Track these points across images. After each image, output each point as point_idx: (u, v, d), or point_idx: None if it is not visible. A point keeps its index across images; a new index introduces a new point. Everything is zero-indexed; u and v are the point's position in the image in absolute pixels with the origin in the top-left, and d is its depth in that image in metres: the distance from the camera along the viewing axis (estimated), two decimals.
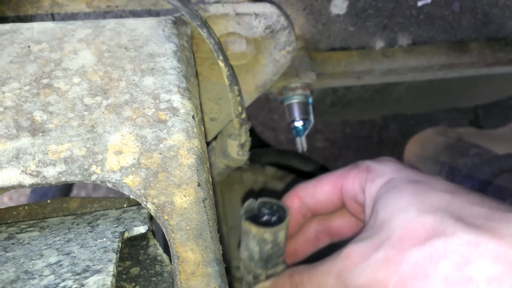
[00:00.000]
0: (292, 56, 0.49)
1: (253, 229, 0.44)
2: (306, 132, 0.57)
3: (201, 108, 0.37)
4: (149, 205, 0.29)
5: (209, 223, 0.28)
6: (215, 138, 0.56)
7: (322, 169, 0.81)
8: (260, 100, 0.61)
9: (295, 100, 0.56)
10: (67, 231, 0.34)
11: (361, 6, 0.56)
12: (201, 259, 0.26)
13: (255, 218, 0.46)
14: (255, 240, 0.44)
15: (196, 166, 0.30)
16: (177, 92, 0.34)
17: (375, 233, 0.36)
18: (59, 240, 0.32)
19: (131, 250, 0.34)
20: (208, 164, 0.34)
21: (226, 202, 0.79)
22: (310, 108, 0.57)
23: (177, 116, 0.33)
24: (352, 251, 0.37)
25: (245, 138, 0.50)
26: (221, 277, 0.26)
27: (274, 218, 0.46)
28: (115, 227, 0.34)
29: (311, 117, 0.57)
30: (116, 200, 0.38)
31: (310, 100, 0.57)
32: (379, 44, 0.57)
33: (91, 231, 0.33)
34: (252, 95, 0.51)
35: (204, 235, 0.28)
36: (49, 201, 0.36)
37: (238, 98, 0.47)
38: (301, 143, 0.57)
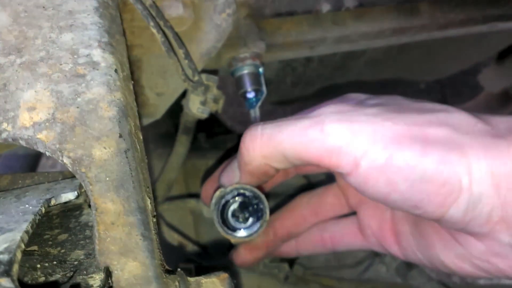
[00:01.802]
0: (234, 19, 0.46)
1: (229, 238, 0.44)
2: (259, 103, 0.55)
3: (131, 67, 0.35)
4: (65, 159, 0.26)
5: (131, 173, 0.26)
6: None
7: None
8: (228, 95, 0.59)
9: (245, 71, 0.53)
10: None
11: None
12: (122, 209, 0.24)
13: (227, 204, 0.45)
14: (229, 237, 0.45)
15: (118, 118, 0.28)
16: (97, 47, 0.31)
17: (369, 104, 0.37)
18: None
19: (63, 220, 0.31)
20: (137, 120, 0.31)
21: (191, 190, 0.76)
22: (262, 79, 0.55)
23: (97, 69, 0.30)
24: (343, 107, 0.35)
25: (205, 96, 0.48)
26: (144, 225, 0.23)
27: (248, 200, 0.44)
28: (43, 196, 0.31)
29: (264, 88, 0.55)
30: (50, 174, 0.35)
31: (261, 70, 0.55)
32: (326, 7, 0.55)
33: (16, 201, 0.30)
34: (198, 65, 0.48)
35: (126, 185, 0.25)
36: None
37: (186, 61, 0.45)
38: (255, 115, 0.55)
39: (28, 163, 0.98)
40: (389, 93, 0.39)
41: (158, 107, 0.50)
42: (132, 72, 0.48)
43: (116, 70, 0.30)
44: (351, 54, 0.79)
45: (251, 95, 0.54)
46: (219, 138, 0.83)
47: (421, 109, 0.35)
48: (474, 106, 1.32)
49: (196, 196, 0.70)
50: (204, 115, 0.48)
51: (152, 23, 0.41)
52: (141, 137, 0.30)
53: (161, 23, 0.43)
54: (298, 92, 0.89)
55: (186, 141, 0.53)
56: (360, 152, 0.32)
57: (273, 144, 0.35)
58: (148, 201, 0.26)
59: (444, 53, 0.90)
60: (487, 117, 0.34)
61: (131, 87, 0.33)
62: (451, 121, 0.33)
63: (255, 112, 0.55)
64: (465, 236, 0.34)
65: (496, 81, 1.11)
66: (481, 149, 0.31)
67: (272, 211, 0.49)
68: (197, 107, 0.47)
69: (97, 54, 0.31)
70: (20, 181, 0.35)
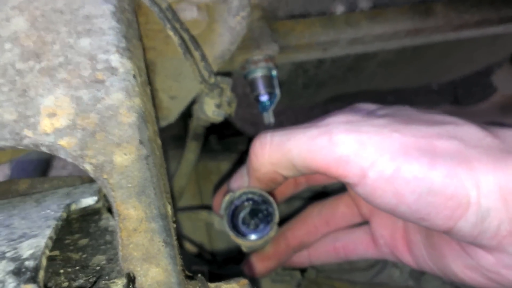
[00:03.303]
0: (248, 22, 0.47)
1: (240, 241, 0.44)
2: (273, 106, 0.55)
3: (147, 72, 0.35)
4: (86, 166, 0.26)
5: (152, 180, 0.26)
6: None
7: None
8: (238, 96, 0.60)
9: (258, 73, 0.54)
10: (12, 208, 0.31)
11: None
12: (144, 215, 0.24)
13: (237, 210, 0.45)
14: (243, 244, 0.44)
15: (137, 124, 0.28)
16: (115, 52, 0.32)
17: (378, 115, 0.36)
18: (1, 217, 0.30)
19: (82, 225, 0.32)
20: (155, 125, 0.31)
21: (204, 192, 0.76)
22: (275, 81, 0.55)
23: (116, 75, 0.30)
24: (351, 117, 0.35)
25: (220, 99, 0.48)
26: (166, 231, 0.24)
27: (257, 206, 0.45)
28: (63, 201, 0.31)
29: (277, 91, 0.55)
30: (68, 179, 0.36)
31: (275, 73, 0.55)
32: (340, 8, 0.55)
33: (37, 206, 0.31)
34: (213, 67, 0.49)
35: (148, 191, 0.25)
36: None
37: (202, 63, 0.45)
38: (268, 118, 0.55)
39: (41, 165, 0.99)
40: (401, 95, 0.39)
41: (172, 110, 0.51)
42: (147, 74, 0.49)
43: (134, 76, 0.31)
44: (364, 55, 0.79)
45: (264, 98, 0.54)
46: (230, 140, 0.84)
47: (430, 121, 0.35)
48: (487, 107, 1.31)
49: (208, 208, 0.70)
50: (220, 118, 0.49)
51: (168, 25, 0.42)
52: (160, 142, 0.30)
53: (177, 25, 0.43)
54: (309, 94, 0.89)
55: (196, 147, 0.53)
56: (368, 162, 0.33)
57: (282, 152, 0.36)
58: (169, 207, 0.26)
59: (458, 55, 0.89)
60: (497, 130, 0.34)
61: (149, 92, 0.33)
62: (460, 134, 0.33)
63: (269, 115, 0.55)
64: (474, 248, 0.34)
65: (510, 82, 1.10)
66: (489, 163, 0.31)
67: (285, 219, 0.50)
68: (212, 110, 0.48)
69: (115, 60, 0.31)
70: (38, 185, 0.35)
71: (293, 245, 0.48)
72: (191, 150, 0.52)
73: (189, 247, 0.63)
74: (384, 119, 0.35)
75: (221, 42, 0.47)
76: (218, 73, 0.50)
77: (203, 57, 0.45)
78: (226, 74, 0.54)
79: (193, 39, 0.45)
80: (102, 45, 0.32)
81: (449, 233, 0.33)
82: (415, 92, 1.50)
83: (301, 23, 0.59)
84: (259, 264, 0.48)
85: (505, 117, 1.12)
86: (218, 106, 0.48)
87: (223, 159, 0.81)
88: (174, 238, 0.24)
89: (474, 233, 0.32)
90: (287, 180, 0.44)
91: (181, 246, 0.61)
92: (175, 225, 0.25)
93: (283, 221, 0.48)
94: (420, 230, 0.41)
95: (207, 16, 0.45)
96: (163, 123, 0.51)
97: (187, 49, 0.43)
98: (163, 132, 0.66)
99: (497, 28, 0.69)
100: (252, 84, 0.54)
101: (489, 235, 0.32)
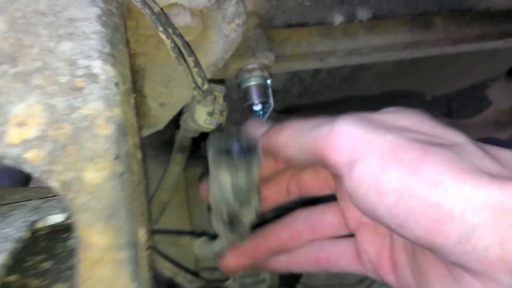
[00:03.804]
0: (243, 30, 0.44)
1: (223, 160, 0.39)
2: (266, 116, 0.52)
3: (135, 78, 0.32)
4: (53, 183, 0.23)
5: (126, 201, 0.23)
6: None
7: None
8: (232, 102, 0.57)
9: (252, 82, 0.51)
10: None
11: None
12: (111, 243, 0.21)
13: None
14: (226, 170, 0.39)
15: (115, 137, 0.25)
16: (98, 58, 0.29)
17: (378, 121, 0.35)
18: None
19: (49, 244, 0.28)
20: (137, 138, 0.29)
21: (192, 201, 0.73)
22: (270, 91, 0.53)
23: (96, 83, 0.28)
24: (352, 118, 0.34)
25: (213, 107, 0.45)
26: (134, 263, 0.21)
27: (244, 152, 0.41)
28: (29, 216, 0.28)
29: (271, 101, 0.52)
30: (41, 190, 0.33)
31: (269, 82, 0.53)
32: (338, 19, 0.53)
33: (1, 222, 0.28)
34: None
35: (119, 214, 0.22)
36: None
37: (196, 69, 0.42)
38: None
39: (21, 174, 0.95)
40: (396, 105, 0.38)
41: (161, 117, 0.48)
42: (135, 81, 0.46)
43: (116, 84, 0.28)
44: (361, 66, 0.76)
45: (257, 107, 0.51)
46: None
47: (431, 132, 0.34)
48: (481, 121, 1.29)
49: (191, 233, 0.67)
50: (211, 127, 0.46)
51: (161, 29, 0.39)
52: (140, 156, 0.27)
53: (170, 30, 0.40)
54: (304, 103, 0.86)
55: (182, 159, 0.50)
56: (357, 154, 0.32)
57: (297, 136, 0.37)
58: (143, 231, 0.23)
59: (454, 68, 0.87)
60: (497, 152, 0.32)
61: (132, 101, 0.30)
62: (457, 147, 0.32)
63: None
64: (461, 272, 0.31)
65: (505, 96, 1.08)
66: (482, 179, 0.29)
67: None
68: (204, 119, 0.45)
69: (97, 66, 0.28)
70: (8, 196, 0.33)
71: (273, 247, 0.45)
72: (176, 162, 0.50)
73: (170, 268, 0.60)
74: (390, 115, 0.35)
75: (214, 50, 0.44)
76: (211, 81, 0.48)
77: (197, 63, 0.42)
78: (219, 81, 0.51)
79: (187, 44, 0.42)
80: (84, 50, 0.29)
81: (431, 249, 0.31)
82: (409, 102, 1.47)
83: (298, 32, 0.56)
84: (233, 259, 0.46)
85: (498, 132, 1.10)
86: (211, 114, 0.45)
87: None
88: (146, 269, 0.21)
89: (458, 251, 0.29)
90: (277, 187, 0.44)
91: (156, 277, 0.58)
92: (148, 252, 0.23)
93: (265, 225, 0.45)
94: (406, 250, 0.38)
95: (200, 22, 0.42)
96: (151, 131, 0.48)
97: (180, 54, 0.40)
98: (152, 135, 0.63)
99: (497, 42, 0.66)
100: (246, 93, 0.52)
101: (476, 256, 0.29)
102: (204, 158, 0.81)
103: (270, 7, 0.51)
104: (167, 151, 0.75)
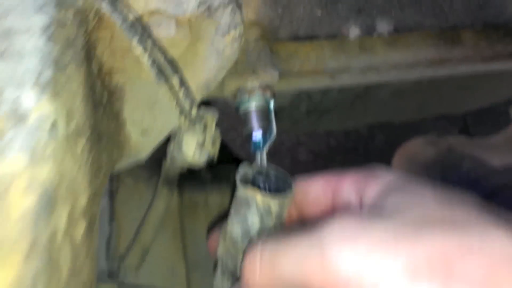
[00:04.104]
0: (241, 44, 0.36)
1: (258, 197, 0.33)
2: (267, 145, 0.44)
3: (108, 98, 0.25)
4: None
5: None
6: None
7: None
8: (233, 116, 0.49)
9: (252, 104, 0.43)
10: None
11: None
12: None
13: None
14: (257, 212, 0.34)
15: (36, 214, 0.17)
16: (32, 87, 0.21)
17: (383, 215, 0.27)
18: None
19: None
20: (81, 200, 0.21)
21: (187, 230, 0.65)
22: (272, 115, 0.45)
23: (24, 124, 0.20)
24: (348, 224, 0.27)
25: (203, 136, 0.37)
26: None
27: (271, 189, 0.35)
28: None
29: (273, 127, 0.44)
30: None
31: (272, 105, 0.45)
32: (354, 31, 0.45)
33: None
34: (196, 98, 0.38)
35: None
36: None
37: (182, 89, 0.34)
38: (261, 159, 0.44)
39: None
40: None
41: (143, 146, 0.40)
42: (111, 103, 0.38)
43: (54, 125, 0.20)
44: (375, 83, 0.68)
45: (258, 136, 0.43)
46: (222, 167, 0.73)
47: (449, 221, 0.27)
48: (501, 140, 1.20)
49: None
50: (201, 161, 0.38)
51: (136, 40, 0.31)
52: (83, 228, 0.19)
53: (148, 42, 0.33)
54: (312, 120, 0.78)
55: (168, 194, 0.43)
56: (370, 285, 0.25)
57: (273, 270, 0.29)
58: None
59: (479, 87, 0.78)
60: None
61: (83, 146, 0.22)
62: (487, 246, 0.25)
63: (262, 156, 0.44)
64: None
65: None
66: None
67: None
68: (193, 151, 0.37)
69: (29, 99, 0.20)
70: None
71: None
72: (162, 197, 0.42)
73: None
74: (391, 222, 0.27)
75: (206, 67, 0.37)
76: (202, 103, 0.40)
77: (183, 84, 0.35)
78: (207, 103, 0.43)
79: (170, 60, 0.34)
80: (16, 75, 0.21)
81: None
82: (423, 118, 1.38)
83: (307, 46, 0.48)
84: None
85: None
86: (201, 145, 0.37)
87: (212, 190, 0.70)
88: None
89: None
90: None
91: None
92: None
93: None
94: None
95: (189, 34, 0.35)
96: (130, 161, 0.40)
97: (161, 73, 0.33)
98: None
99: None
100: (245, 117, 0.44)
101: None
102: (202, 181, 0.73)
103: (274, 17, 0.43)
104: (155, 174, 0.68)
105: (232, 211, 0.36)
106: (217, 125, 0.39)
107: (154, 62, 0.32)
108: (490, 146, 1.14)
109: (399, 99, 0.76)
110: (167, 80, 0.33)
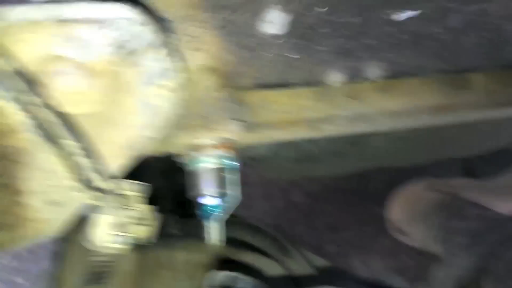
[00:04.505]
0: (177, 96, 0.27)
1: None
2: (222, 215, 0.34)
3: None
4: None
5: None
6: None
7: (275, 242, 0.58)
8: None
9: (202, 165, 0.33)
10: None
11: (311, 22, 0.34)
12: None
13: None
14: None
15: None
16: None
17: None
18: None
19: None
20: None
21: None
22: (230, 177, 0.35)
23: None
24: None
25: (122, 215, 0.27)
26: None
27: None
28: None
29: (233, 192, 0.34)
30: None
31: (232, 164, 0.35)
32: (337, 77, 0.35)
33: None
34: (117, 162, 0.28)
35: None
36: None
37: (82, 155, 0.25)
38: (211, 233, 0.34)
39: None
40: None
41: (51, 220, 0.30)
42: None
43: None
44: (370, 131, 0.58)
45: (206, 201, 0.33)
46: (193, 222, 0.62)
47: None
48: (509, 181, 1.09)
49: None
50: (118, 249, 0.28)
51: (12, 100, 0.22)
52: None
53: (33, 100, 0.23)
54: (303, 169, 0.68)
55: None
56: None
57: None
58: None
59: (488, 131, 0.68)
60: None
61: None
62: None
63: (212, 228, 0.34)
64: None
65: None
66: None
67: None
68: (105, 235, 0.27)
69: None
70: None
71: None
72: None
73: None
74: None
75: (130, 125, 0.27)
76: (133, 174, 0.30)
77: (87, 151, 0.25)
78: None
79: (66, 122, 0.25)
80: None
81: None
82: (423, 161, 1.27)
83: (282, 94, 0.38)
84: None
85: None
86: (118, 227, 0.27)
87: (180, 248, 0.59)
88: None
89: None
90: None
91: None
92: None
93: None
94: None
95: (105, 84, 0.25)
96: (33, 241, 0.30)
97: (49, 136, 0.23)
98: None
99: None
100: (193, 179, 0.34)
101: None
102: (169, 236, 0.63)
103: (240, 61, 0.33)
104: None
105: None
106: (154, 201, 0.30)
107: (40, 124, 0.22)
108: (495, 188, 1.03)
109: (396, 146, 0.67)
110: (57, 144, 0.23)
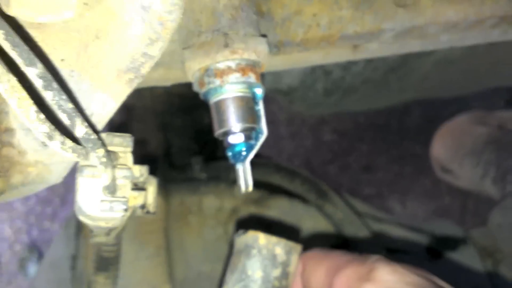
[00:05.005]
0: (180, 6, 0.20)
1: (262, 238, 0.31)
2: (253, 153, 0.28)
3: None
4: None
5: None
6: None
7: (313, 186, 0.52)
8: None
9: (227, 95, 0.27)
10: None
11: None
12: None
13: None
14: (260, 257, 0.31)
15: None
16: None
17: None
18: None
19: None
20: None
21: (175, 243, 0.50)
22: (261, 109, 0.28)
23: None
24: None
25: (111, 175, 0.22)
26: None
27: None
28: None
29: (263, 126, 0.28)
30: None
31: (260, 93, 0.28)
32: None
33: None
34: (117, 90, 0.22)
35: None
36: None
37: (59, 98, 0.19)
38: (244, 176, 0.28)
39: None
40: None
41: (51, 165, 0.25)
42: None
43: None
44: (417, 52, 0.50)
45: (237, 139, 0.27)
46: (220, 164, 0.57)
47: None
48: None
49: None
50: (115, 217, 0.22)
51: None
52: None
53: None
54: (333, 102, 0.61)
55: (106, 282, 0.29)
56: None
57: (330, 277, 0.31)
58: None
59: None
60: None
61: None
62: None
63: (244, 170, 0.28)
64: None
65: None
66: None
67: None
68: (98, 201, 0.21)
69: None
70: None
71: None
72: (100, 285, 0.28)
73: None
74: None
75: (127, 38, 0.21)
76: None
77: (58, 92, 0.19)
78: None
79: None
80: None
81: None
82: (470, 91, 1.16)
83: (315, 2, 0.31)
84: None
85: None
86: (111, 190, 0.22)
87: (207, 192, 0.55)
88: None
89: None
90: None
91: None
92: None
93: None
94: None
95: None
96: (30, 191, 0.25)
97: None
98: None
99: None
100: (217, 113, 0.28)
101: None
102: (195, 181, 0.58)
103: None
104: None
105: (228, 271, 0.32)
106: (146, 160, 0.24)
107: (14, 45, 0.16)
108: None
109: (444, 71, 0.58)
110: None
